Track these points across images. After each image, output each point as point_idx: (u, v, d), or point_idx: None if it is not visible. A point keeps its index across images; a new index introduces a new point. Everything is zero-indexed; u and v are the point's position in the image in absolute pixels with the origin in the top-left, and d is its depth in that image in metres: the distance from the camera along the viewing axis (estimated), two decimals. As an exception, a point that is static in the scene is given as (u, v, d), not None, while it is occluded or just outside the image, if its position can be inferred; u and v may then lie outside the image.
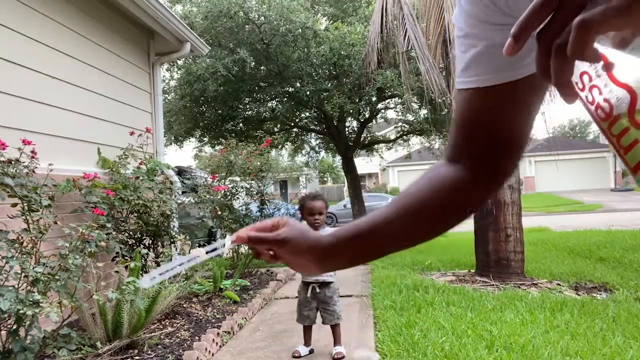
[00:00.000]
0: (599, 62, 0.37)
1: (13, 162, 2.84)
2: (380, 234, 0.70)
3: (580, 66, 0.40)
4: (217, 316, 3.92)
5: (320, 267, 0.73)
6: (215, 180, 5.73)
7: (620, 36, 0.37)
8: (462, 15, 0.65)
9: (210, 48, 7.12)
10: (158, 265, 4.14)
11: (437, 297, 4.20)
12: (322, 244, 0.71)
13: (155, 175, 4.56)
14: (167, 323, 3.70)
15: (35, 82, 3.68)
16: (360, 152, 12.21)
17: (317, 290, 3.03)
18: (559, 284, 4.95)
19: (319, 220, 3.03)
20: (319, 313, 3.08)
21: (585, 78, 0.41)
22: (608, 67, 0.38)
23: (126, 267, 3.22)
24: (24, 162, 2.91)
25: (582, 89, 0.41)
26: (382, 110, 10.89)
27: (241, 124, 9.66)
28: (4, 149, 2.82)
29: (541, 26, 0.38)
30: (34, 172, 2.95)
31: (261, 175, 6.04)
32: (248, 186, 6.11)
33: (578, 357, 2.74)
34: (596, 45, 0.36)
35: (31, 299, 2.32)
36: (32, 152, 2.98)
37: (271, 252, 0.70)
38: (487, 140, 0.69)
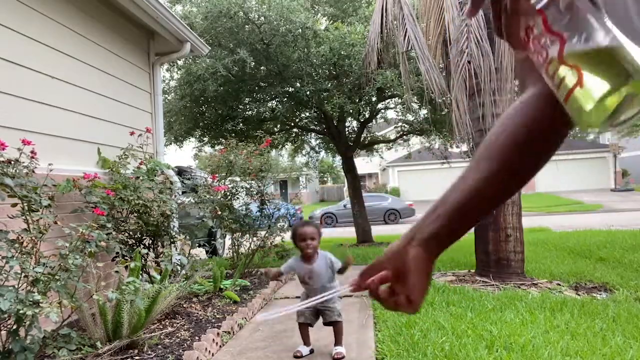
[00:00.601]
0: (534, 15, 0.47)
1: (13, 162, 2.84)
2: (482, 193, 0.61)
3: (525, 22, 0.50)
4: (217, 316, 3.92)
5: (429, 263, 0.66)
6: (215, 180, 5.73)
7: None
8: None
9: (210, 48, 7.11)
10: (158, 265, 4.14)
11: (437, 297, 4.20)
12: (418, 239, 0.63)
13: (155, 175, 4.56)
14: (167, 323, 3.70)
15: (35, 82, 3.68)
16: (360, 152, 12.17)
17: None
18: (559, 284, 4.94)
19: (311, 245, 2.99)
20: (317, 314, 3.08)
21: (530, 32, 0.49)
22: (545, 21, 0.47)
23: (126, 267, 3.22)
24: (23, 162, 2.91)
25: (529, 41, 0.50)
26: (382, 110, 10.85)
27: (241, 124, 9.63)
28: (4, 149, 2.82)
29: None
30: (33, 172, 2.95)
31: (261, 175, 6.04)
32: (248, 186, 6.12)
33: (578, 357, 2.74)
34: None
35: (31, 299, 2.32)
36: (32, 152, 2.98)
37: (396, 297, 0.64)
38: None
